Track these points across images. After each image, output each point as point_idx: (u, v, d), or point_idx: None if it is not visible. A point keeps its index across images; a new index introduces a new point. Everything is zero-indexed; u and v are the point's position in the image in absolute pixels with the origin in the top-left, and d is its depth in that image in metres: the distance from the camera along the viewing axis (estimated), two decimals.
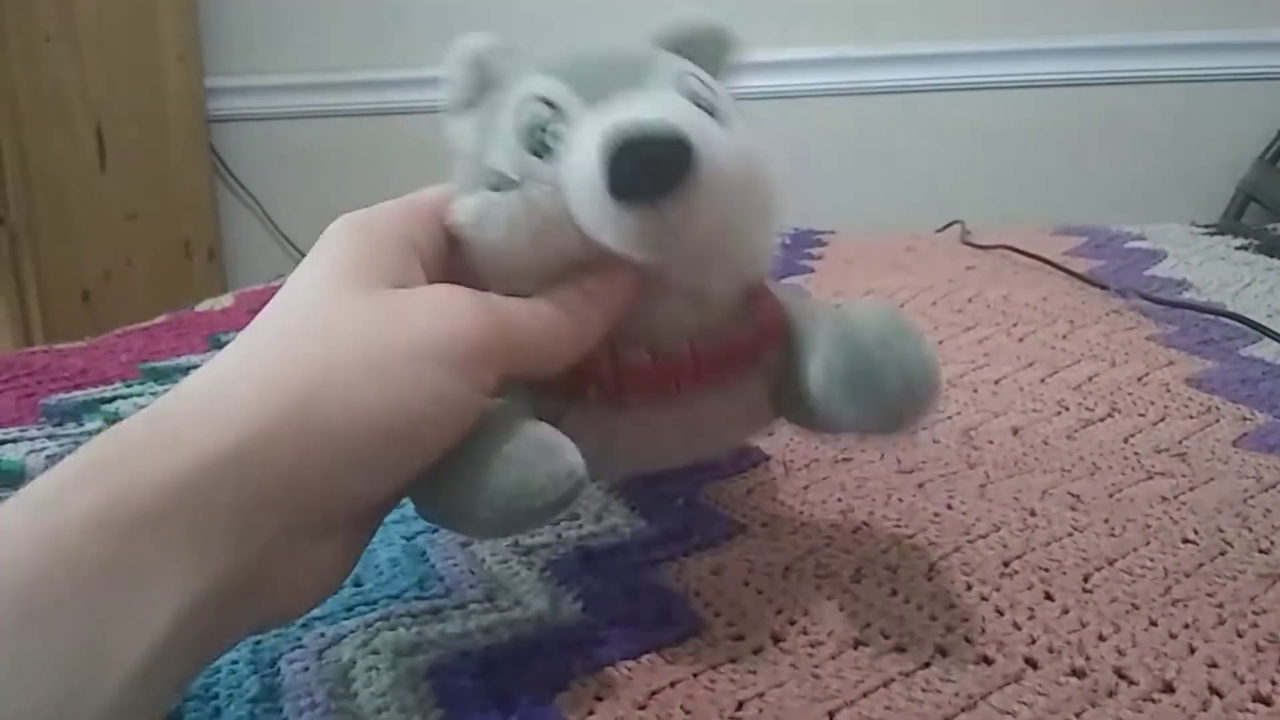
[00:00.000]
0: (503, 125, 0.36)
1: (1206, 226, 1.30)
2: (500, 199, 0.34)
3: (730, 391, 0.38)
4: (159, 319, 0.94)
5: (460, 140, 0.39)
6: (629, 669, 0.35)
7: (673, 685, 0.34)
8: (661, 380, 0.36)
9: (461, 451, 0.32)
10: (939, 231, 1.39)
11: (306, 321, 0.31)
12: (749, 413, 0.40)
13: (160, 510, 0.25)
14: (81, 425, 0.63)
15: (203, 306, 1.01)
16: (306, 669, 0.36)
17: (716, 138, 0.32)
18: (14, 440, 0.60)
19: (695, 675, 0.34)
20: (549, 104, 0.35)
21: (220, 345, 0.82)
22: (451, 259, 0.36)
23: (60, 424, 0.64)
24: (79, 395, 0.69)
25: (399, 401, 0.29)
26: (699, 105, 0.35)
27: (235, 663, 0.36)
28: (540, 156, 0.34)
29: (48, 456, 0.57)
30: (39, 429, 0.63)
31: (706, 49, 0.40)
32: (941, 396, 0.36)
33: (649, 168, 0.31)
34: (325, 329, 0.30)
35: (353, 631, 0.38)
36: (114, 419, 0.64)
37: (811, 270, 1.09)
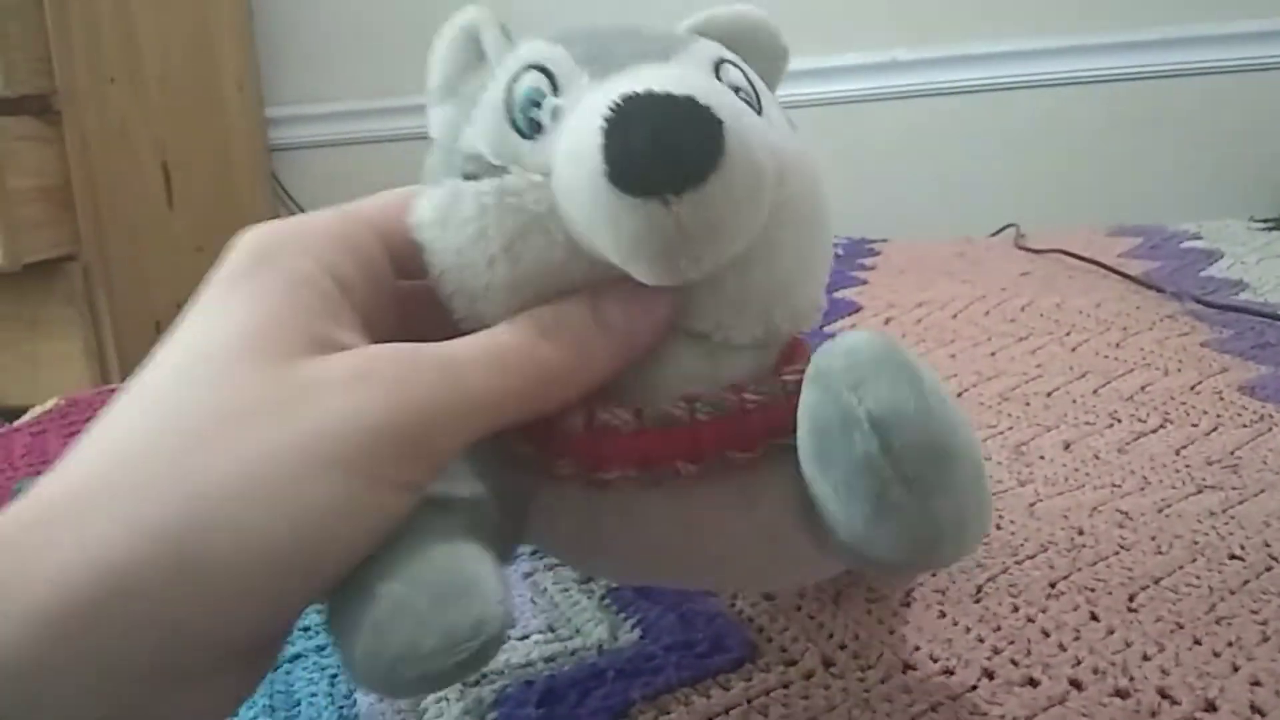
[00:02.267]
0: (487, 102, 0.28)
1: (1265, 221, 1.28)
2: (470, 188, 0.27)
3: (742, 487, 0.29)
4: None
5: (437, 130, 0.32)
6: (686, 695, 0.36)
7: (728, 711, 0.35)
8: (650, 453, 0.28)
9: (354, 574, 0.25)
10: (993, 236, 1.39)
11: (192, 414, 0.25)
12: (769, 530, 0.30)
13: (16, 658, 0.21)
14: None
15: None
16: (381, 699, 0.38)
17: (754, 127, 0.25)
18: None
19: (750, 701, 0.36)
20: (549, 76, 0.28)
21: None
22: (410, 294, 0.31)
23: None
24: None
25: (300, 525, 0.24)
26: (740, 97, 0.28)
27: (315, 695, 0.38)
28: (531, 138, 0.27)
29: None
30: None
31: (752, 54, 0.32)
32: (949, 450, 0.24)
33: (663, 150, 0.23)
34: (212, 428, 0.24)
35: None
36: None
37: (865, 281, 1.10)
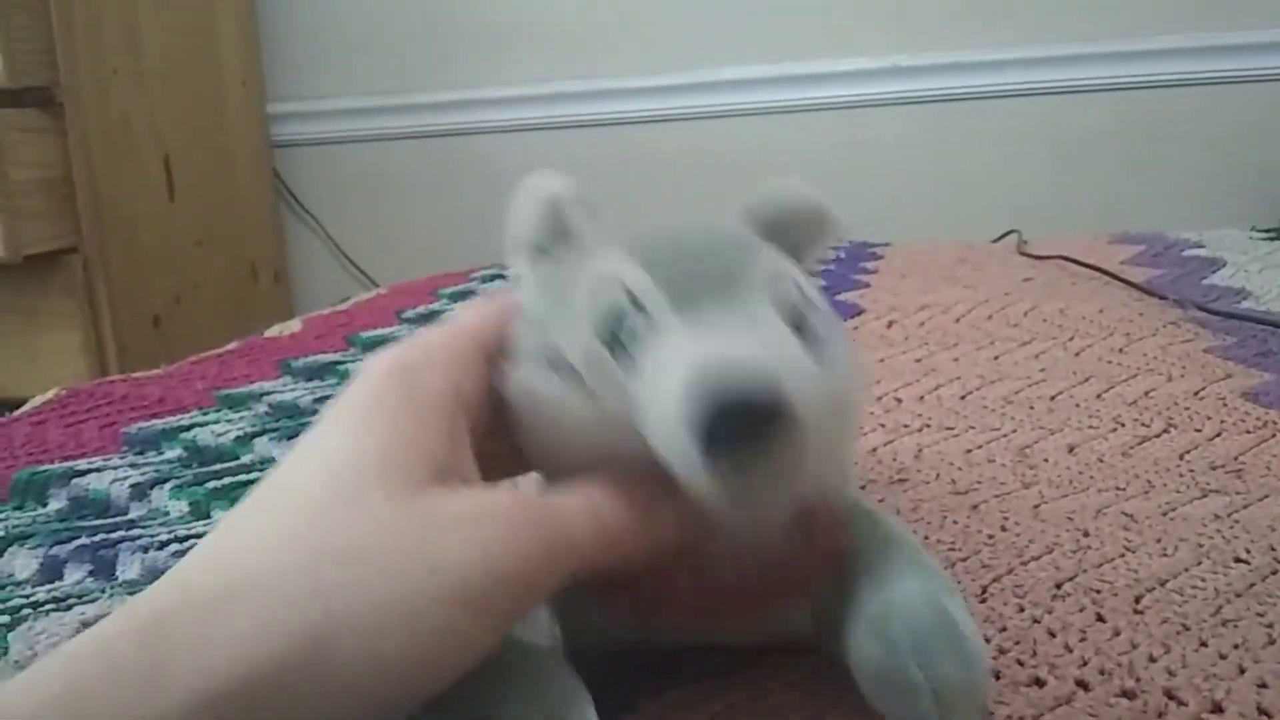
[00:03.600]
0: (576, 303, 0.33)
1: (1266, 230, 1.29)
2: (560, 389, 0.32)
3: (771, 614, 0.35)
4: (230, 345, 0.97)
5: (521, 284, 0.37)
6: (693, 693, 0.36)
7: (733, 708, 0.35)
8: (700, 605, 0.34)
9: (471, 692, 0.29)
10: (995, 241, 1.39)
11: (329, 531, 0.28)
12: (789, 632, 0.37)
13: None
14: (161, 453, 0.66)
15: (272, 332, 1.04)
16: None
17: (809, 378, 0.29)
18: (99, 469, 0.63)
19: (755, 699, 0.36)
20: (635, 302, 0.31)
21: (291, 371, 0.85)
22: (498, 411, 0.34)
23: (141, 452, 0.66)
24: (158, 424, 0.72)
25: (414, 648, 0.27)
26: (792, 319, 0.32)
27: None
28: (613, 351, 0.31)
29: (131, 485, 0.60)
30: (121, 458, 0.65)
31: (804, 230, 0.37)
32: (987, 708, 0.33)
33: (741, 428, 0.27)
34: (350, 549, 0.27)
35: None
36: (192, 447, 0.66)
37: (867, 285, 1.10)
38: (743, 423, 0.27)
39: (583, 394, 0.31)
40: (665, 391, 0.29)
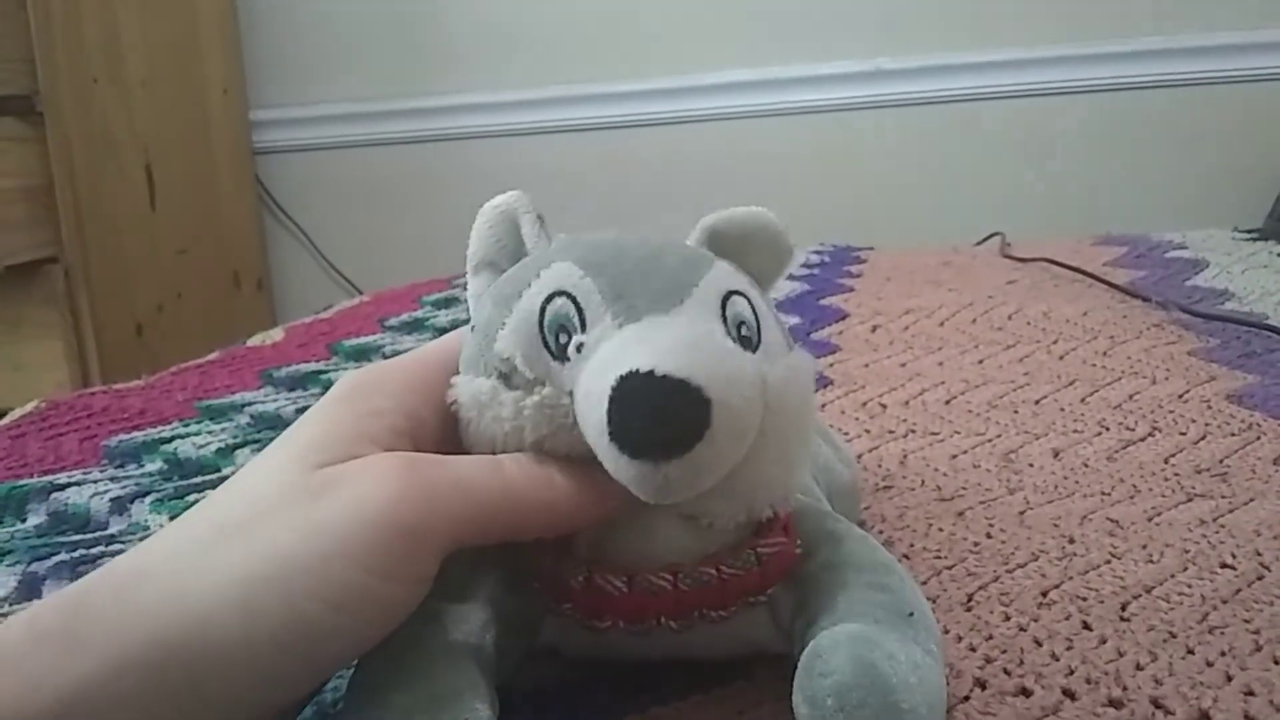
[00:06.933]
0: (522, 310, 0.33)
1: (1249, 231, 1.29)
2: (510, 398, 0.32)
3: (720, 631, 0.34)
4: (212, 355, 0.97)
5: (474, 300, 0.37)
6: (677, 709, 0.36)
7: None
8: (636, 613, 0.33)
9: (370, 665, 0.31)
10: (979, 244, 1.39)
11: (230, 510, 0.29)
12: (751, 642, 0.36)
13: (58, 715, 0.25)
14: (142, 466, 0.65)
15: (254, 341, 1.03)
16: None
17: (744, 386, 0.30)
18: (78, 483, 0.62)
19: (740, 713, 0.35)
20: (576, 305, 0.32)
21: (273, 381, 0.85)
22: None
23: (122, 465, 0.66)
24: (139, 436, 0.71)
25: (301, 611, 0.27)
26: (740, 333, 0.33)
27: None
28: (559, 360, 0.32)
29: (111, 499, 0.59)
30: (101, 471, 0.65)
31: (762, 254, 0.38)
32: None
33: (655, 430, 0.28)
34: (245, 525, 0.29)
35: None
36: (173, 459, 0.66)
37: (851, 289, 1.10)
38: (660, 431, 0.28)
39: (535, 403, 0.32)
40: (594, 397, 0.30)
